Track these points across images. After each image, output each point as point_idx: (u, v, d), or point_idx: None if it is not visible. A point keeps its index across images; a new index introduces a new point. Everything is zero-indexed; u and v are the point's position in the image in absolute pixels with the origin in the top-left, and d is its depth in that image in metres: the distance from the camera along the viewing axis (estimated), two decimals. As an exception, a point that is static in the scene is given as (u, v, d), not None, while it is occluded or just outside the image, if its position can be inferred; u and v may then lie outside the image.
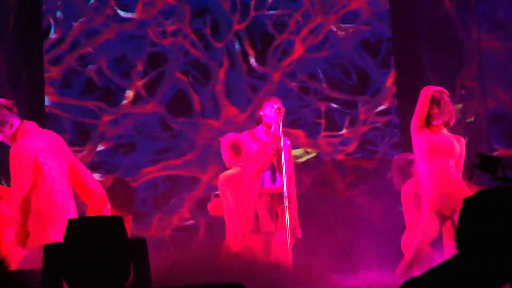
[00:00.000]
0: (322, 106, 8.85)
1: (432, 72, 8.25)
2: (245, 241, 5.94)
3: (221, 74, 8.96)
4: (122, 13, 8.87)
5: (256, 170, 5.97)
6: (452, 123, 5.54)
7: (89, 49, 8.69)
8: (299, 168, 8.36)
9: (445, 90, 5.65)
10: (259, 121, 6.22)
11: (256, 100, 8.67)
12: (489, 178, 4.78)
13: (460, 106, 8.11)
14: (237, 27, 9.02)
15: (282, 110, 5.99)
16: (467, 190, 5.45)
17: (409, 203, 6.17)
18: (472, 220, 2.06)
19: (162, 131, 8.77)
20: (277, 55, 9.01)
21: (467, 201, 2.13)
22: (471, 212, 2.09)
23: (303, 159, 8.71)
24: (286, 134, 6.97)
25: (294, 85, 8.93)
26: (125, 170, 8.66)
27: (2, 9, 7.83)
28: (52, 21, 8.75)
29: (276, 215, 5.98)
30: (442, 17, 8.32)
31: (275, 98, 6.23)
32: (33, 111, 8.25)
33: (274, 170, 6.03)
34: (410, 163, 6.27)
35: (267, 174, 6.03)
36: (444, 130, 5.55)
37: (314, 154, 8.68)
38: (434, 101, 5.44)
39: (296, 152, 8.50)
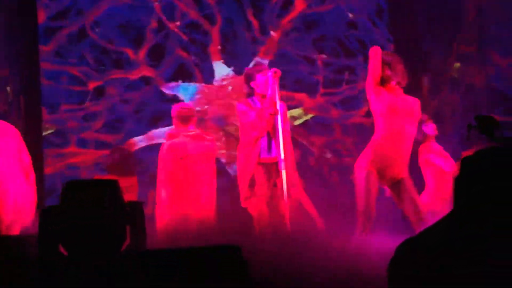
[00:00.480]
0: (322, 66, 8.94)
1: (428, 32, 8.37)
2: (243, 206, 6.11)
3: (215, 34, 8.95)
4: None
5: (255, 138, 6.10)
6: (404, 83, 5.67)
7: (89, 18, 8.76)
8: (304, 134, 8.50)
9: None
10: (250, 93, 6.29)
11: (255, 59, 8.74)
12: (486, 139, 4.94)
13: (458, 65, 8.25)
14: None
15: (278, 73, 6.10)
16: (406, 160, 5.63)
17: (425, 167, 6.42)
18: (468, 180, 2.14)
19: (156, 97, 8.87)
20: (276, 11, 8.99)
21: (464, 161, 2.19)
22: (468, 172, 2.15)
23: (302, 120, 8.82)
24: (288, 98, 7.12)
25: (293, 44, 8.98)
26: (123, 135, 8.75)
27: None
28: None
29: (274, 185, 6.14)
30: None
31: (266, 67, 6.35)
32: (28, 80, 8.35)
33: (270, 139, 6.16)
34: (422, 122, 6.46)
35: (264, 144, 6.16)
36: (400, 92, 5.70)
37: (311, 116, 8.81)
38: (385, 63, 5.57)
39: (294, 112, 8.60)
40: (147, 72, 8.89)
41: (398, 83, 5.68)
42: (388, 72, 5.62)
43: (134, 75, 8.86)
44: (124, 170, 7.25)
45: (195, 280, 3.11)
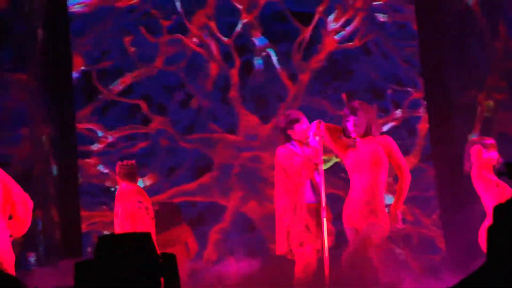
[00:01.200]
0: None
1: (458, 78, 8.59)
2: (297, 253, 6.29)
3: (235, 78, 8.89)
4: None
5: (298, 184, 6.32)
6: (374, 131, 5.97)
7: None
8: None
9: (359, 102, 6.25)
10: (288, 139, 6.50)
11: (283, 105, 8.70)
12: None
13: (491, 103, 8.43)
14: (246, 17, 9.00)
15: (323, 124, 6.34)
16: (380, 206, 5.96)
17: (482, 189, 6.44)
18: (502, 227, 2.30)
19: (171, 150, 8.77)
20: (302, 51, 8.95)
21: (496, 209, 2.36)
22: (503, 220, 2.31)
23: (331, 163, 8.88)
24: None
25: (321, 88, 8.96)
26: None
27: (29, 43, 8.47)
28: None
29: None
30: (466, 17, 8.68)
31: (303, 116, 6.53)
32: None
33: (312, 185, 6.39)
34: (485, 147, 6.50)
35: (308, 189, 6.38)
36: (365, 142, 6.00)
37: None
38: (353, 112, 6.04)
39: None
40: (165, 125, 8.88)
41: (365, 133, 6.00)
42: (352, 122, 5.98)
43: (148, 129, 8.87)
44: (169, 222, 7.78)
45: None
